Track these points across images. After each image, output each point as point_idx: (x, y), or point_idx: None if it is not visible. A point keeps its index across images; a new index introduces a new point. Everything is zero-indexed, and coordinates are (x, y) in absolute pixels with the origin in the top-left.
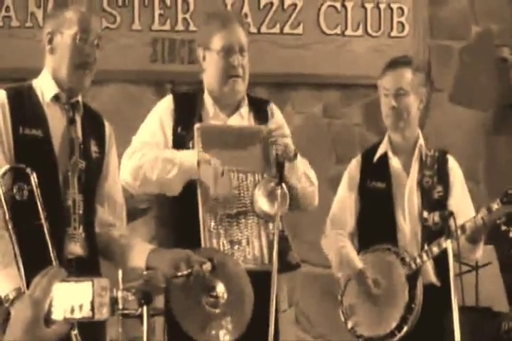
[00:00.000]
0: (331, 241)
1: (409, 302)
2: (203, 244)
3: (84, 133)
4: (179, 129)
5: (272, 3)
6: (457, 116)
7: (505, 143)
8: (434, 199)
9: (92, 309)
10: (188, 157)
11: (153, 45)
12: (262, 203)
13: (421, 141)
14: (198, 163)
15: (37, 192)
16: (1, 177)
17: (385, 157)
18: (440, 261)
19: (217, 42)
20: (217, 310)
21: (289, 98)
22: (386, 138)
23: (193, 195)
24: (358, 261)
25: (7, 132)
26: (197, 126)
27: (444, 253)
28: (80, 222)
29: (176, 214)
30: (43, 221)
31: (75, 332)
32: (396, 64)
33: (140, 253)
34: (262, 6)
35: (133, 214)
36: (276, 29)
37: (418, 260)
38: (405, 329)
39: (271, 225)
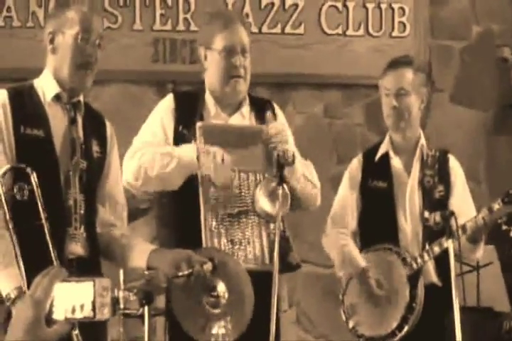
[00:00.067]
0: (332, 239)
1: (411, 301)
2: (204, 244)
3: (86, 133)
4: (180, 128)
5: (273, 3)
6: (458, 116)
7: (506, 143)
8: (435, 198)
9: (94, 309)
10: (187, 151)
11: (155, 45)
12: (263, 203)
13: (422, 141)
14: (198, 157)
15: (37, 192)
16: (2, 177)
17: (386, 157)
18: (441, 261)
19: (219, 42)
20: (218, 310)
21: (289, 98)
22: (387, 138)
23: (194, 195)
24: (360, 260)
25: (8, 132)
26: (199, 124)
27: (445, 253)
28: (81, 222)
29: (177, 214)
30: (43, 221)
31: (76, 332)
32: (397, 64)
33: (141, 253)
34: (263, 6)
35: (134, 214)
36: (278, 29)
37: (419, 260)
38: (406, 328)
39: (272, 225)
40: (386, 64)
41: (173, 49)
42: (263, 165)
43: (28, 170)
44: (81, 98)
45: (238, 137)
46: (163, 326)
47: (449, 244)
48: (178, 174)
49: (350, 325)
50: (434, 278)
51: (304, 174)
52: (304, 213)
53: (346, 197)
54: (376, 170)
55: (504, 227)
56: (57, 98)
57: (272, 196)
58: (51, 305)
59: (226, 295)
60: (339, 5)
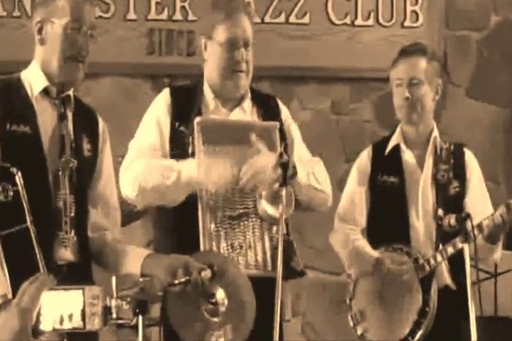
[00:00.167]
0: (340, 236)
1: (424, 305)
2: (202, 248)
3: (76, 129)
4: (177, 124)
5: None
6: (474, 112)
7: None
8: (450, 195)
9: (83, 319)
10: (188, 167)
11: (150, 35)
12: (266, 205)
13: (435, 133)
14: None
15: (23, 193)
16: None
17: (397, 150)
18: (455, 263)
19: (221, 33)
20: (217, 318)
21: (294, 93)
22: (398, 130)
23: (192, 196)
24: (373, 252)
25: None
26: (197, 120)
27: (460, 253)
28: (72, 225)
29: (174, 216)
30: (28, 224)
31: None
32: (409, 52)
33: (135, 258)
34: None
35: (129, 217)
36: (281, 19)
37: (432, 261)
38: (420, 333)
39: (275, 228)
40: (397, 52)
41: (169, 40)
42: None
43: (13, 169)
44: (71, 92)
45: (239, 133)
46: (158, 337)
47: (465, 249)
48: (178, 189)
49: (359, 331)
50: (448, 280)
51: (311, 184)
52: (310, 215)
53: (355, 193)
54: (386, 164)
55: None
56: (45, 92)
57: (275, 198)
58: (38, 315)
59: (225, 302)
60: None
